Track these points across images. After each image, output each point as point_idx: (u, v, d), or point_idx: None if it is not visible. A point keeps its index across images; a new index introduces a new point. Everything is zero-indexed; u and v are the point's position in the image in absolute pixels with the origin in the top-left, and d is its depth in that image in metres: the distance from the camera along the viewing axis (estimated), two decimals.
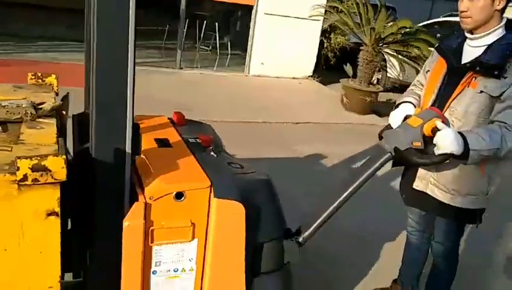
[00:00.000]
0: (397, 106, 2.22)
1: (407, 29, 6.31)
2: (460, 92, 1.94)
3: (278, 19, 8.19)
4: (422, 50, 6.41)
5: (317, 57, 8.77)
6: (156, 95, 5.65)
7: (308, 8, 8.19)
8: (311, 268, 2.39)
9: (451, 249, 2.23)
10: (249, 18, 8.54)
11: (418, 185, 2.12)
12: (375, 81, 7.50)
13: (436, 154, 1.84)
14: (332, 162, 4.79)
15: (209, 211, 1.65)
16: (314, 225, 1.95)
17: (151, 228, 1.58)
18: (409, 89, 2.33)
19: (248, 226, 1.69)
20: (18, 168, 1.21)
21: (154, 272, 1.65)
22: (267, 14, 8.03)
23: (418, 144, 1.90)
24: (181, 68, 8.04)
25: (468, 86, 1.92)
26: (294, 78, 8.56)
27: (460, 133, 1.82)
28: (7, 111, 1.61)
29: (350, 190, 1.93)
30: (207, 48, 10.23)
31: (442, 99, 2.01)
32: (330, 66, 9.04)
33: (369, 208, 3.34)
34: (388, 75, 8.71)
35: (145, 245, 1.58)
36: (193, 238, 1.66)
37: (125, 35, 1.37)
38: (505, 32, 1.91)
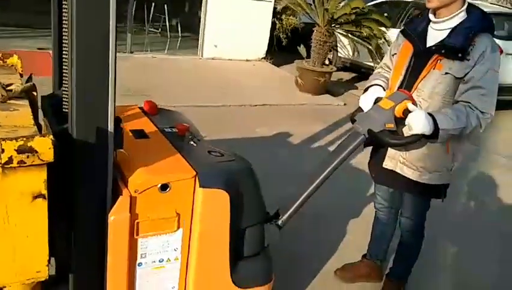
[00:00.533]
0: (366, 90, 2.28)
1: (359, 10, 6.42)
2: (426, 74, 2.02)
3: (229, 1, 8.12)
4: (373, 30, 6.57)
5: (269, 39, 8.79)
6: None
7: None
8: (286, 249, 2.45)
9: (418, 223, 2.35)
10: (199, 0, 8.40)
11: (387, 164, 2.21)
12: (327, 62, 7.62)
13: (408, 134, 1.93)
14: (293, 142, 4.88)
15: (193, 201, 1.65)
16: (293, 208, 2.00)
17: (137, 220, 1.56)
18: (376, 71, 2.40)
19: (232, 212, 1.71)
20: (3, 151, 1.17)
21: (140, 264, 1.64)
22: None
23: (391, 125, 1.97)
24: (131, 52, 7.82)
25: (434, 68, 2.00)
26: (247, 60, 8.55)
27: (429, 114, 1.91)
28: None
29: (326, 172, 1.98)
30: (156, 31, 10.00)
31: (409, 81, 2.09)
32: (282, 47, 9.09)
33: (338, 188, 3.44)
34: (339, 54, 8.88)
35: (130, 238, 1.57)
36: (178, 228, 1.66)
37: (106, 23, 1.33)
38: (466, 15, 2.01)
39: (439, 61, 1.99)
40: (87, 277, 1.56)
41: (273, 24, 8.82)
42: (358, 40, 6.84)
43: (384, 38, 6.77)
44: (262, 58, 8.73)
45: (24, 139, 1.19)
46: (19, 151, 1.18)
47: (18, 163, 1.19)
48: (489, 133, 5.62)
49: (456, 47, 1.94)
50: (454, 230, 3.50)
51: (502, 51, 2.85)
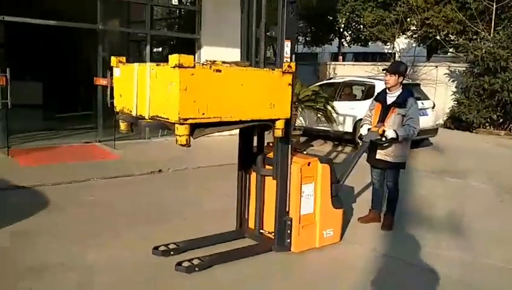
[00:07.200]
0: (362, 125, 5.03)
1: (315, 91, 9.37)
2: (389, 115, 4.80)
3: None
4: (324, 103, 9.55)
5: None
6: None
7: None
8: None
9: (396, 183, 5.00)
10: None
11: (377, 156, 4.90)
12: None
13: (386, 139, 4.67)
14: None
15: (317, 169, 4.20)
16: (343, 180, 4.58)
17: (301, 177, 4.07)
18: (364, 117, 5.15)
19: (330, 175, 4.28)
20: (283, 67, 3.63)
21: (302, 196, 4.12)
22: None
23: (379, 137, 4.71)
24: None
25: (392, 113, 4.79)
26: None
27: (394, 130, 4.66)
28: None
29: (356, 159, 4.65)
30: None
31: (382, 119, 4.85)
32: None
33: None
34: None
35: (300, 184, 4.06)
36: (313, 181, 4.18)
37: None
38: (402, 90, 4.84)
39: (394, 109, 4.78)
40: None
41: None
42: (316, 110, 9.75)
43: (333, 108, 9.78)
44: None
45: (287, 61, 3.75)
46: (288, 66, 3.58)
47: (286, 70, 3.55)
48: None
49: (401, 103, 4.75)
50: (411, 186, 6.21)
51: None
